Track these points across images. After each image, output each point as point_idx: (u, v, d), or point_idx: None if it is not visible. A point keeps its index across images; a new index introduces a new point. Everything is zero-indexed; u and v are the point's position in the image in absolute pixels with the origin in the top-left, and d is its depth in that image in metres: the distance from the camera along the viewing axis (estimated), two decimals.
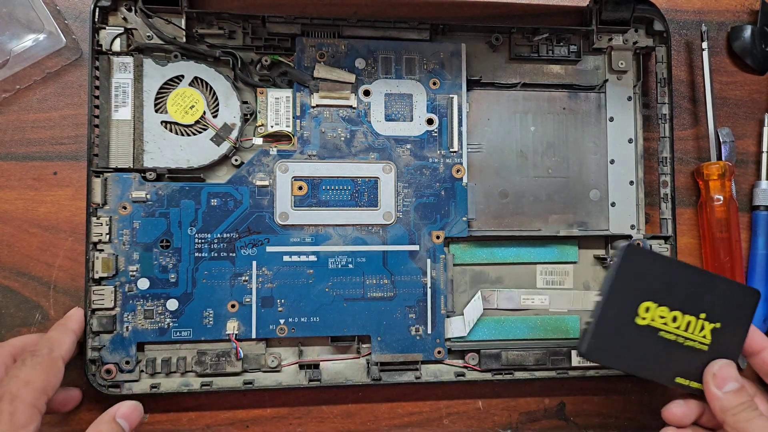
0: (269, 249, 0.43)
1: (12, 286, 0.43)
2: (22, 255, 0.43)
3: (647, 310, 0.38)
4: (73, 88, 0.44)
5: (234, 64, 0.43)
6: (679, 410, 0.39)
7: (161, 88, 0.43)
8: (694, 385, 0.39)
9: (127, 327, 0.41)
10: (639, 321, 0.38)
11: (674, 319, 0.38)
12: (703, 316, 0.39)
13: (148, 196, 0.42)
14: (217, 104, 0.43)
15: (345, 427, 0.45)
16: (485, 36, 0.47)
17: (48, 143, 0.43)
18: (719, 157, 0.48)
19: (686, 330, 0.38)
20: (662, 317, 0.38)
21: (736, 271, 0.47)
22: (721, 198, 0.47)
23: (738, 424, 0.36)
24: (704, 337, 0.39)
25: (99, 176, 0.41)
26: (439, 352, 0.44)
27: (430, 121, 0.45)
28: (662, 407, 0.40)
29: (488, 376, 0.45)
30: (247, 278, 0.43)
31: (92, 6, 0.41)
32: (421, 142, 0.45)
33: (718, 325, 0.39)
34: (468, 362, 0.45)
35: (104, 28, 0.42)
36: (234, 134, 0.43)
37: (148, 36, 0.42)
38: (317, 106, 0.44)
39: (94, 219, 0.41)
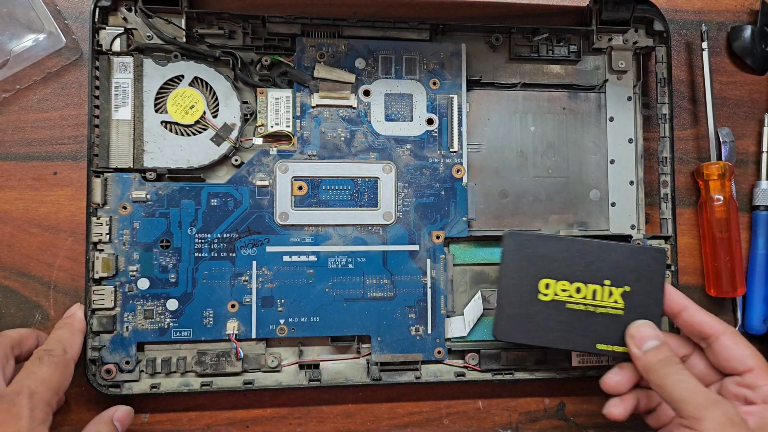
0: (269, 249, 0.43)
1: (12, 286, 0.43)
2: (22, 255, 0.43)
3: (547, 286, 0.40)
4: (73, 88, 0.44)
5: (234, 64, 0.43)
6: (614, 378, 0.40)
7: (161, 88, 0.43)
8: (618, 349, 0.40)
9: (127, 327, 0.41)
10: (542, 297, 0.40)
11: (578, 290, 0.40)
12: (607, 282, 0.40)
13: (148, 196, 0.42)
14: (217, 104, 0.43)
15: (345, 427, 0.45)
16: (485, 36, 0.47)
17: (48, 143, 0.43)
18: (719, 157, 0.48)
19: (594, 298, 0.40)
20: (564, 290, 0.40)
21: (736, 271, 0.47)
22: (721, 198, 0.47)
23: (658, 380, 0.36)
24: (616, 302, 0.40)
25: (99, 176, 0.41)
26: (439, 352, 0.44)
27: (430, 121, 0.45)
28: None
29: (488, 376, 0.45)
30: (247, 278, 0.43)
31: (92, 6, 0.41)
32: (421, 142, 0.45)
33: (627, 288, 0.40)
34: (468, 362, 0.45)
35: (104, 28, 0.42)
36: (234, 134, 0.43)
37: (148, 36, 0.42)
38: (317, 106, 0.44)
39: (94, 219, 0.41)
